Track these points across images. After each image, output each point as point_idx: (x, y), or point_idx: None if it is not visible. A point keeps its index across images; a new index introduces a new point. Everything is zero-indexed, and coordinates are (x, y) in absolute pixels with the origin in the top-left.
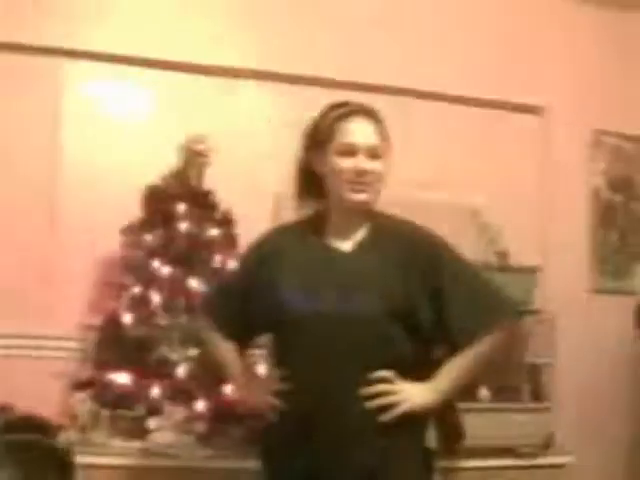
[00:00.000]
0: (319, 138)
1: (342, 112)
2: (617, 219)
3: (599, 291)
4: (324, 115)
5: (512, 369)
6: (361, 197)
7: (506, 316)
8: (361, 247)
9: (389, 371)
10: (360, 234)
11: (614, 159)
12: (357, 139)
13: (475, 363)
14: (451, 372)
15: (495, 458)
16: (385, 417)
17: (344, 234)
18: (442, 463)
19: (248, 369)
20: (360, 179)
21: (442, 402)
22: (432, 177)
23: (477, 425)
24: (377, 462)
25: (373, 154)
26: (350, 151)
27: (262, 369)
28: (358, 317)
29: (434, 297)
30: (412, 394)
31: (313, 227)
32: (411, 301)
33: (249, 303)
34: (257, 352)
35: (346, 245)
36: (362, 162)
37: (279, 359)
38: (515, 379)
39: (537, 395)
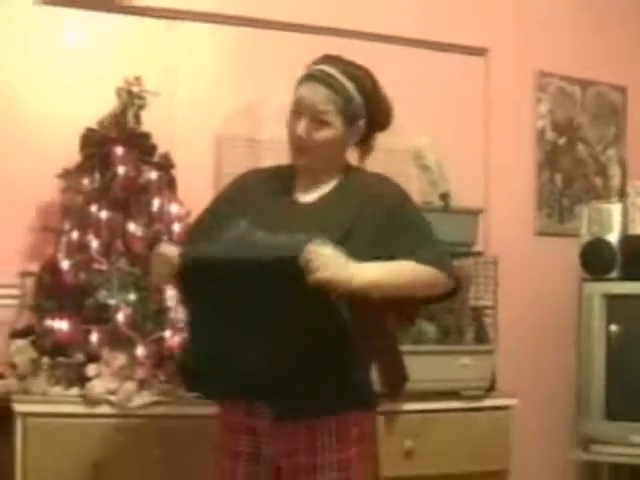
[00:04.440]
0: None
1: (303, 75)
2: (561, 161)
3: (543, 233)
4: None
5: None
6: (301, 161)
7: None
8: (322, 200)
9: None
10: (326, 188)
11: (558, 101)
12: (301, 100)
13: (408, 275)
14: (382, 267)
15: (439, 401)
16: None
17: (310, 187)
18: (385, 406)
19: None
20: (298, 143)
21: (354, 288)
22: None
23: (420, 368)
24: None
25: (317, 120)
26: (297, 112)
27: None
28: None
29: (379, 243)
30: (334, 264)
31: (286, 176)
32: (350, 244)
33: None
34: None
35: (309, 197)
36: (302, 128)
37: None
38: (458, 321)
39: (480, 338)
